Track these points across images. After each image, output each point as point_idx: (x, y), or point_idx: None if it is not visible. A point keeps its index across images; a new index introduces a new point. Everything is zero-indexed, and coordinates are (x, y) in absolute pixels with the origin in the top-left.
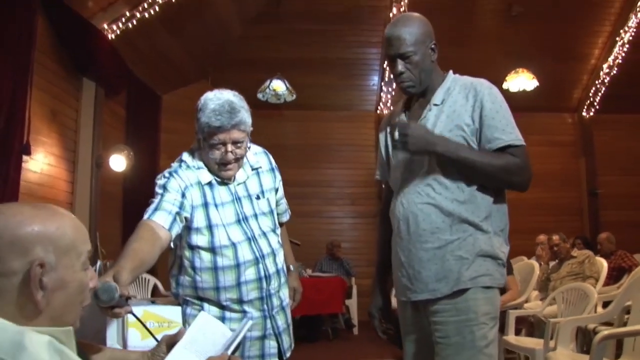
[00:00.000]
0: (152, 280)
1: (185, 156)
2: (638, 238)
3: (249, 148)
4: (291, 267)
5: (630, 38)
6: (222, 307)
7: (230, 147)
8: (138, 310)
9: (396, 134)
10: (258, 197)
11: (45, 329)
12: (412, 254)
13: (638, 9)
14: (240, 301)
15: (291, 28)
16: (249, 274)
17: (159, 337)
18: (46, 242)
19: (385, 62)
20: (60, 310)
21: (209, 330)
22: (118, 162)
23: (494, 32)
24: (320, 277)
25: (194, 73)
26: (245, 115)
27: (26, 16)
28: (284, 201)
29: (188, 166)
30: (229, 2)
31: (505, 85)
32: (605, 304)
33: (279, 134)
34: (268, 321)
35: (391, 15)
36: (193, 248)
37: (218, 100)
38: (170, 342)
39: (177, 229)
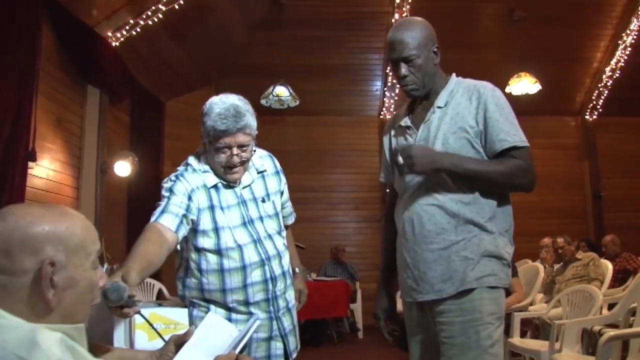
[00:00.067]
0: (157, 285)
1: (192, 160)
2: None
3: (255, 151)
4: (297, 270)
5: (633, 41)
6: (229, 309)
7: (235, 151)
8: (145, 312)
9: (399, 159)
10: (263, 200)
11: (57, 326)
12: (418, 255)
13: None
14: (246, 303)
15: (294, 34)
16: (255, 275)
17: (166, 339)
18: (56, 242)
19: (388, 68)
20: (70, 308)
21: (217, 330)
22: (123, 168)
23: (496, 37)
24: (324, 281)
25: (197, 80)
26: (250, 119)
27: (31, 24)
28: (289, 204)
29: (194, 169)
30: (232, 9)
31: (508, 89)
32: (611, 307)
33: (282, 140)
34: (274, 322)
35: (393, 20)
36: (199, 250)
37: (223, 104)
38: (179, 342)
39: (183, 231)
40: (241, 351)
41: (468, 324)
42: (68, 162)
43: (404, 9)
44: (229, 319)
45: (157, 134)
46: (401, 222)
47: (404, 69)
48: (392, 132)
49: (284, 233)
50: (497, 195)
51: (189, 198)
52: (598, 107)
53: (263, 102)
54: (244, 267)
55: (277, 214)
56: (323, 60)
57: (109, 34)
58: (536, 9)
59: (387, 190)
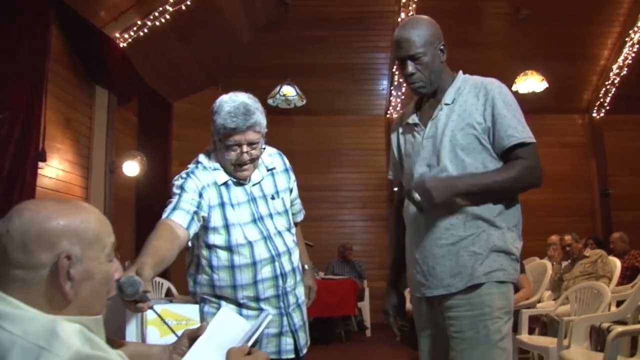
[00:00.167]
0: (166, 283)
1: (202, 157)
2: None
3: (264, 149)
4: (306, 267)
5: None
6: (239, 305)
7: (245, 148)
8: (157, 308)
9: (415, 195)
10: (273, 197)
11: (76, 317)
12: (427, 251)
13: None
14: (257, 299)
15: (300, 35)
16: (266, 272)
17: (178, 334)
18: (72, 235)
19: (394, 66)
20: (87, 300)
21: (229, 325)
22: (131, 168)
23: (502, 36)
24: (332, 280)
25: (204, 80)
26: (260, 117)
27: (41, 27)
28: (298, 201)
29: (204, 167)
30: (239, 10)
31: (514, 88)
32: (619, 304)
33: (289, 139)
34: (284, 318)
35: (399, 19)
36: (210, 247)
37: (233, 102)
38: (192, 337)
39: (195, 227)
40: (252, 346)
41: (477, 318)
42: (77, 162)
43: (409, 7)
44: (240, 315)
45: (165, 135)
46: (410, 219)
47: (410, 67)
48: (400, 130)
49: (293, 230)
50: None
51: (200, 195)
52: (605, 104)
53: (270, 101)
54: (254, 264)
55: (286, 211)
56: (329, 59)
57: (117, 35)
58: (542, 7)
59: (395, 189)
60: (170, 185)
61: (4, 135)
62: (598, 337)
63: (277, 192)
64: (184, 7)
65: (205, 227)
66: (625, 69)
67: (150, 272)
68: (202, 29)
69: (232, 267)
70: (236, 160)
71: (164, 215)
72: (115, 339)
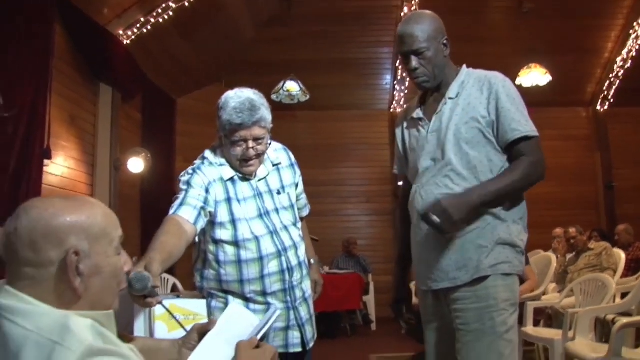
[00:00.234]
0: (172, 279)
1: (208, 153)
2: None
3: (270, 144)
4: (312, 261)
5: None
6: (246, 299)
7: (251, 144)
8: (165, 303)
9: (434, 218)
10: (279, 192)
11: (87, 312)
12: (432, 244)
13: None
14: (263, 293)
15: (303, 30)
16: (272, 266)
17: (187, 329)
18: (79, 231)
19: (398, 61)
20: (98, 295)
21: (239, 320)
22: (136, 165)
23: (505, 29)
24: (337, 274)
25: (207, 76)
26: (265, 113)
27: (44, 25)
28: (303, 196)
29: (211, 163)
30: (241, 6)
31: (518, 81)
32: (624, 296)
33: (293, 135)
34: (291, 312)
35: (402, 14)
36: (217, 242)
37: (239, 98)
38: (202, 331)
39: (202, 223)
40: (260, 340)
41: (483, 310)
42: (82, 159)
43: (412, 2)
44: (247, 309)
45: (169, 131)
46: (415, 212)
47: (414, 62)
48: (405, 125)
49: (299, 224)
50: None
51: (207, 191)
52: (609, 97)
53: (274, 97)
54: (261, 258)
55: (292, 206)
56: (333, 54)
57: (120, 32)
58: (545, 0)
59: (400, 183)
60: (175, 181)
61: (9, 134)
62: (603, 329)
63: (283, 187)
64: (186, 4)
65: (212, 223)
66: (630, 61)
67: (158, 267)
68: (205, 25)
69: (239, 262)
70: (242, 155)
71: (171, 211)
72: (125, 333)
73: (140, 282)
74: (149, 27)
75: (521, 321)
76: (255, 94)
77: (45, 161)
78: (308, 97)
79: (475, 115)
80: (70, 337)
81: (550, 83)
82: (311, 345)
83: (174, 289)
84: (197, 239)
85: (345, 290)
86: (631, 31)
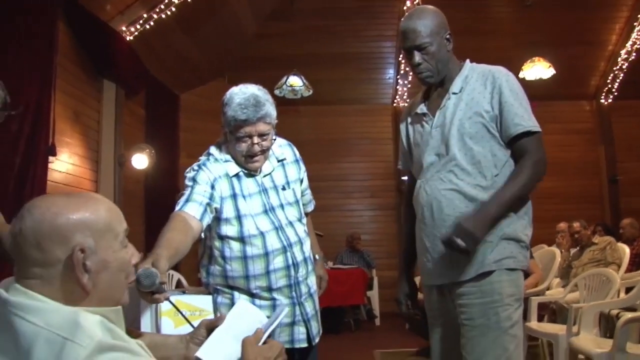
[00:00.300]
0: (176, 275)
1: (213, 149)
2: None
3: (274, 140)
4: (317, 257)
5: None
6: (252, 295)
7: (256, 140)
8: (171, 299)
9: (460, 243)
10: (284, 188)
11: (96, 309)
12: (437, 239)
13: None
14: (269, 289)
15: (305, 24)
16: (278, 262)
17: (194, 324)
18: (83, 228)
19: (401, 55)
20: (106, 290)
21: (247, 317)
22: (140, 161)
23: (508, 23)
24: (341, 269)
25: (210, 72)
26: (270, 108)
27: (48, 22)
28: (308, 191)
29: (216, 159)
30: (244, 0)
31: (521, 75)
32: (628, 290)
33: (296, 130)
34: (297, 308)
35: (405, 8)
36: (223, 238)
37: (243, 94)
38: (210, 327)
39: (207, 219)
40: (269, 337)
41: (488, 305)
42: (86, 155)
43: None
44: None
45: (172, 127)
46: (420, 208)
47: (417, 57)
48: (409, 120)
49: (304, 220)
50: None
51: (212, 187)
52: (613, 90)
53: (277, 92)
54: (266, 254)
55: (297, 202)
56: (335, 49)
57: (123, 28)
58: None
59: (402, 178)
60: (178, 177)
61: (14, 131)
62: (607, 324)
63: (288, 183)
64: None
65: (217, 219)
66: (634, 54)
67: (165, 264)
68: (208, 20)
69: (244, 258)
70: (247, 151)
71: (177, 208)
72: (133, 329)
73: (148, 279)
74: (151, 23)
75: (525, 316)
76: (260, 90)
77: (50, 158)
78: (311, 92)
79: (478, 110)
80: (80, 332)
81: (553, 76)
82: (317, 340)
83: (179, 284)
84: (202, 235)
85: (349, 285)
86: (635, 23)
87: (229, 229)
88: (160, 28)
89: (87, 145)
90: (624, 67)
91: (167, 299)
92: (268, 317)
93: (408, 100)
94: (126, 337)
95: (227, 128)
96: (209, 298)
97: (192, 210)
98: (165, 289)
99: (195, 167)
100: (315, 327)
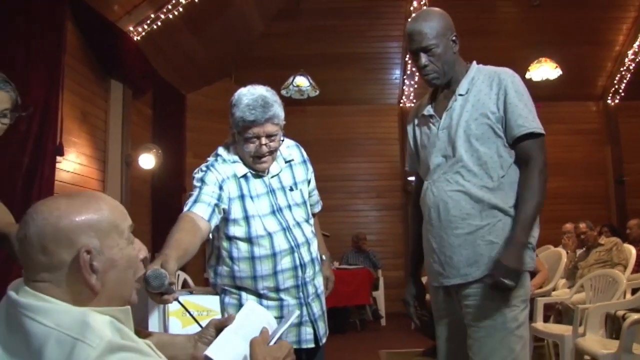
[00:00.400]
0: (182, 275)
1: (221, 150)
2: None
3: (282, 141)
4: (324, 257)
5: None
6: (260, 296)
7: (264, 141)
8: (180, 300)
9: (508, 282)
10: (291, 189)
11: (105, 309)
12: (444, 240)
13: None
14: (276, 289)
15: (312, 24)
16: (285, 262)
17: (202, 324)
18: (87, 229)
19: (407, 55)
20: (115, 288)
21: (256, 318)
22: (147, 161)
23: (515, 23)
24: (347, 270)
25: (217, 72)
26: (278, 109)
27: (56, 23)
28: (316, 192)
29: (224, 160)
30: (250, 0)
31: (528, 75)
32: (634, 291)
33: (303, 130)
34: (304, 308)
35: (412, 8)
36: (230, 239)
37: (252, 95)
38: (220, 326)
39: (216, 220)
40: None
41: (494, 306)
42: (94, 155)
43: None
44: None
45: (179, 127)
46: (427, 209)
47: (423, 59)
48: (416, 122)
49: (311, 221)
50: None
51: (220, 188)
52: (620, 91)
53: (283, 92)
54: (274, 255)
55: (304, 202)
56: (342, 49)
57: (131, 28)
58: None
59: (408, 178)
60: (185, 176)
61: (22, 131)
62: (613, 325)
63: (296, 184)
64: (196, 0)
65: (225, 219)
66: None
67: (174, 265)
68: (214, 20)
69: (252, 258)
70: (255, 152)
71: (186, 208)
72: (141, 329)
73: (157, 280)
74: (158, 23)
75: (531, 317)
76: (268, 91)
77: (58, 158)
78: (318, 92)
79: (484, 111)
80: (90, 333)
81: (560, 77)
82: (324, 341)
83: (185, 284)
84: (210, 236)
85: (355, 285)
86: None
87: (236, 230)
88: (168, 28)
89: (94, 145)
90: (630, 67)
91: (177, 299)
92: (276, 317)
93: (414, 101)
94: (135, 337)
95: (235, 129)
96: (217, 298)
97: (200, 211)
98: (174, 289)
99: (204, 168)
100: (323, 327)
